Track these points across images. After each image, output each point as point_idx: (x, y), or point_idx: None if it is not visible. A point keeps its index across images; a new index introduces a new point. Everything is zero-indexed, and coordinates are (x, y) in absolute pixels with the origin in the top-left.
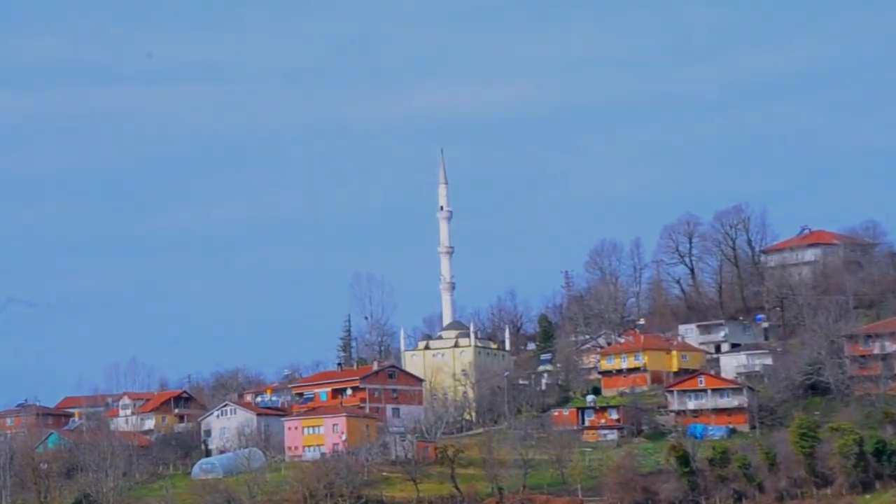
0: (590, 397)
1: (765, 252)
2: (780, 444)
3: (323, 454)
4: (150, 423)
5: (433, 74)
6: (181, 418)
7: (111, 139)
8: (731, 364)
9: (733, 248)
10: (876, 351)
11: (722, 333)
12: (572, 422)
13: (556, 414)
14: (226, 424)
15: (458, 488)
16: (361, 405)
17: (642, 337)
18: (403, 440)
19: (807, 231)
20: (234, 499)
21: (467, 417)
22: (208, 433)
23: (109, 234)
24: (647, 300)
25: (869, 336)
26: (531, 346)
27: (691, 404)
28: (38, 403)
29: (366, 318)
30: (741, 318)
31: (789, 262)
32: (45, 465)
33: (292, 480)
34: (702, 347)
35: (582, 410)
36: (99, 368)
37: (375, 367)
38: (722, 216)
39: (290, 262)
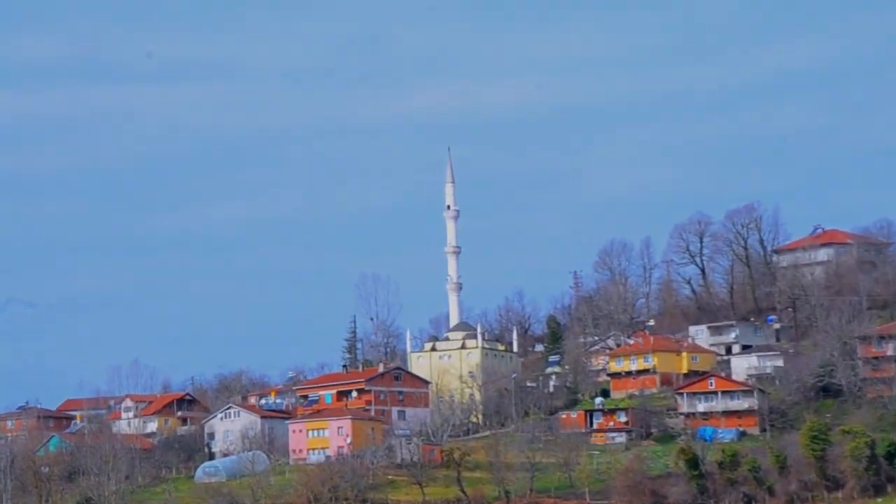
0: (598, 399)
1: (777, 252)
2: (791, 447)
3: (328, 457)
4: (152, 426)
5: (434, 74)
6: (184, 421)
7: (111, 139)
8: (742, 366)
9: (745, 248)
10: (889, 353)
11: (733, 335)
12: (580, 424)
13: (563, 416)
14: (229, 427)
15: (464, 492)
16: (367, 407)
17: (652, 338)
18: (409, 443)
19: (820, 230)
20: (238, 503)
21: (474, 420)
22: (212, 436)
23: (110, 233)
24: (657, 301)
25: (882, 337)
26: (539, 347)
27: (701, 407)
28: (39, 406)
29: (371, 319)
30: (752, 319)
31: (802, 261)
32: (47, 469)
33: (297, 484)
34: (712, 349)
35: (590, 413)
36: (101, 370)
37: (381, 368)
38: (733, 215)
39: (294, 263)
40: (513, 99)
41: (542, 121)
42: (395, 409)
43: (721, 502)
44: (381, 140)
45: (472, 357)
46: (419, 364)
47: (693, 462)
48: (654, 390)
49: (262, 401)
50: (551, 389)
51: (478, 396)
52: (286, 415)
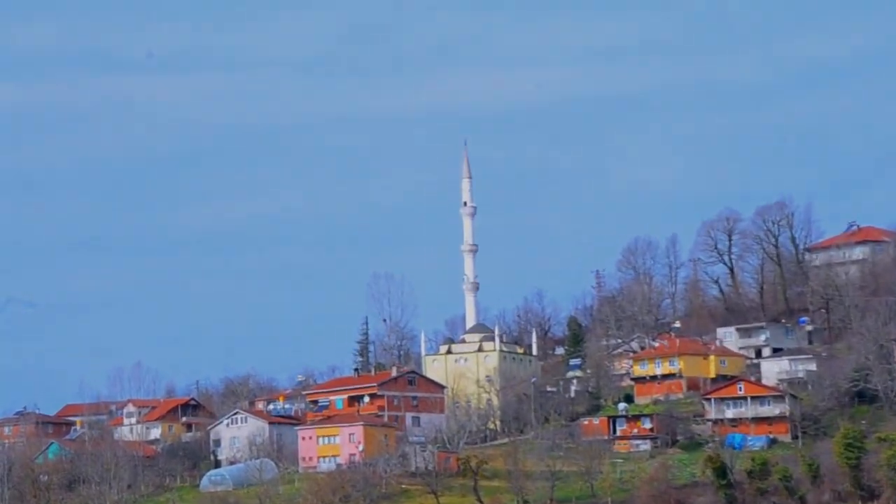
0: (622, 405)
1: (809, 250)
2: (824, 456)
3: (339, 465)
4: (156, 433)
5: (449, 64)
6: (189, 427)
7: (113, 133)
8: (773, 370)
9: (776, 246)
10: None
11: (763, 337)
12: (603, 431)
13: (585, 423)
14: (236, 433)
15: (481, 501)
16: (379, 413)
17: (678, 341)
18: (424, 450)
19: (854, 227)
20: None
21: (491, 426)
22: (217, 443)
23: (111, 233)
24: (684, 301)
25: None
26: (559, 350)
27: (730, 413)
28: (37, 411)
29: (384, 320)
30: (784, 320)
31: (836, 260)
32: (45, 477)
33: (306, 493)
34: (741, 352)
35: (613, 419)
36: (102, 374)
37: (394, 372)
38: (764, 212)
39: (303, 262)
40: (533, 91)
41: (564, 113)
42: (408, 415)
43: None
44: (397, 133)
45: (490, 360)
46: (434, 368)
47: (721, 471)
48: (681, 395)
49: (271, 406)
50: (572, 394)
51: (495, 402)
52: (295, 421)
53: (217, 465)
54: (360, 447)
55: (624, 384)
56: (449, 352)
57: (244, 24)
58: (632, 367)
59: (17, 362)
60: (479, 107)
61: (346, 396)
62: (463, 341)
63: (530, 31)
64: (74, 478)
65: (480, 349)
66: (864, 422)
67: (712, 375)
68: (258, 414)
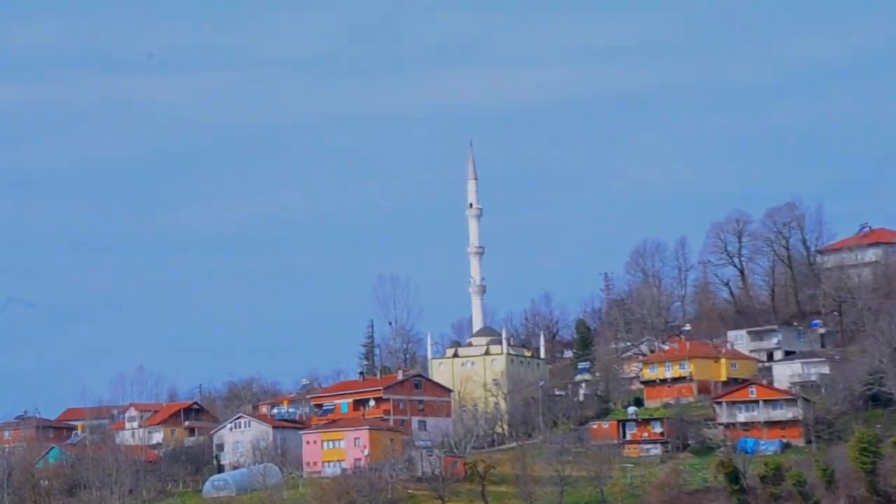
0: (631, 409)
1: (821, 252)
2: (839, 460)
3: (344, 470)
4: (158, 437)
5: (453, 64)
6: (192, 431)
7: (114, 133)
8: (785, 373)
9: (787, 248)
10: None
11: (775, 340)
12: (612, 435)
13: (594, 427)
14: (239, 438)
15: None
16: (385, 417)
17: (688, 344)
18: (430, 455)
19: (867, 229)
20: None
21: (499, 431)
22: (221, 447)
23: (111, 233)
24: (694, 304)
25: None
26: (568, 353)
27: (741, 417)
28: (38, 415)
29: (390, 323)
30: (795, 323)
31: (848, 262)
32: (46, 482)
33: (311, 498)
34: (753, 355)
35: (623, 423)
36: (103, 377)
37: (400, 376)
38: (774, 213)
39: (308, 264)
40: (533, 91)
41: (564, 113)
42: (415, 419)
43: None
44: (394, 134)
45: (497, 364)
46: (440, 371)
47: (733, 476)
48: (691, 399)
49: (274, 410)
50: (581, 398)
51: (503, 405)
52: (299, 425)
53: (220, 469)
54: (366, 452)
55: (633, 388)
56: (455, 355)
57: (244, 24)
58: (641, 370)
59: (18, 365)
60: (479, 107)
61: (351, 400)
62: (470, 344)
63: (530, 31)
64: (75, 483)
65: (487, 352)
66: (878, 426)
67: (723, 379)
68: (262, 418)
